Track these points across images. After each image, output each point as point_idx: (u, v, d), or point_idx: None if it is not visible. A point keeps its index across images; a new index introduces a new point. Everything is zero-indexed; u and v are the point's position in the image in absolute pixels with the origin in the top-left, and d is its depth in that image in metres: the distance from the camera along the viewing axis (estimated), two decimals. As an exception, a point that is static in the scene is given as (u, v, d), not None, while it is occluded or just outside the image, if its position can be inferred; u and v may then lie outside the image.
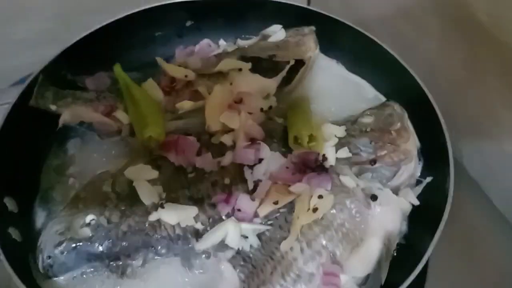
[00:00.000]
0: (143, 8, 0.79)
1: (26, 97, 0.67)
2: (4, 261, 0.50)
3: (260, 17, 0.83)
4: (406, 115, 0.67)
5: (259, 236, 0.57)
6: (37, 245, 0.54)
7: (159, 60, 0.75)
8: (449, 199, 0.57)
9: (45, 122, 0.67)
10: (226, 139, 0.64)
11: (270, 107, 0.69)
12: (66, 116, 0.66)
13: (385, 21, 0.82)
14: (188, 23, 0.85)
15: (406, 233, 0.61)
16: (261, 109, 0.67)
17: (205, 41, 0.82)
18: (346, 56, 0.82)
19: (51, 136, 0.69)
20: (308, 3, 1.01)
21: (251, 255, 0.57)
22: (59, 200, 0.61)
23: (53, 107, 0.67)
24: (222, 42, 0.84)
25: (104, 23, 0.76)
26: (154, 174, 0.60)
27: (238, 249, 0.56)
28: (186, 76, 0.71)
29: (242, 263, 0.56)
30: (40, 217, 0.61)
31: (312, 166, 0.60)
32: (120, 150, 0.67)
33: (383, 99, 0.75)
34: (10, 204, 0.59)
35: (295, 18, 0.81)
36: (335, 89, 0.78)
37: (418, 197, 0.62)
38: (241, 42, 0.79)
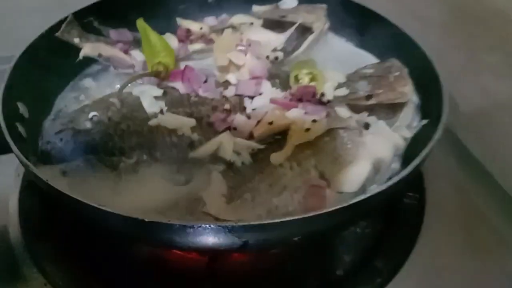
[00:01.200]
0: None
1: (53, 32, 0.73)
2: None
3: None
4: (406, 70, 0.69)
5: (252, 156, 0.59)
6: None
7: (179, 19, 0.81)
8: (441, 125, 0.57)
9: (68, 53, 0.73)
10: (231, 78, 0.68)
11: (276, 58, 0.72)
12: (87, 49, 0.72)
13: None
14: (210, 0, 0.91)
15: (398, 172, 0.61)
16: (267, 57, 0.71)
17: (224, 16, 0.88)
18: (354, 34, 0.86)
19: (72, 66, 0.74)
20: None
21: (241, 170, 0.58)
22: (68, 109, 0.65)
23: (76, 40, 0.73)
24: (239, 16, 0.90)
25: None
26: (159, 92, 0.63)
27: (230, 163, 0.57)
28: (201, 28, 0.77)
29: (232, 174, 0.57)
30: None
31: (309, 99, 0.63)
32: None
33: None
34: (23, 108, 0.62)
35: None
36: (341, 60, 0.81)
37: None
38: (255, 8, 0.84)
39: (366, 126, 0.59)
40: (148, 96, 0.61)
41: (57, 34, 0.72)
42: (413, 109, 0.66)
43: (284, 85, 0.68)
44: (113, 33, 0.79)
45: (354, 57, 0.81)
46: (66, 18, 0.75)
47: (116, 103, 0.60)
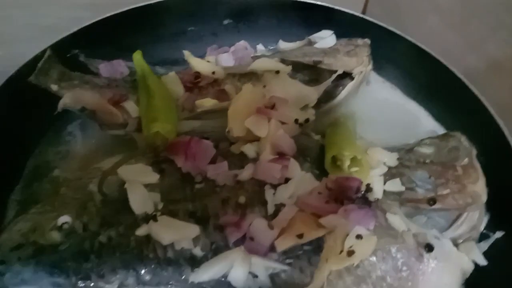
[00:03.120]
0: (177, -3, 0.70)
1: (27, 71, 0.58)
2: None
3: (306, 22, 0.72)
4: (474, 151, 0.53)
5: (272, 277, 0.45)
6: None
7: (186, 53, 0.65)
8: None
9: (44, 103, 0.57)
10: (249, 150, 0.53)
11: (307, 120, 0.57)
12: (67, 99, 0.57)
13: (448, 49, 0.69)
14: (226, 21, 0.75)
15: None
16: (296, 121, 0.55)
17: (242, 43, 0.72)
18: (403, 78, 0.70)
19: (47, 120, 0.58)
20: (364, 11, 0.90)
21: (258, 302, 0.44)
22: (37, 193, 0.50)
23: (54, 87, 0.58)
24: (260, 46, 0.75)
25: (132, 6, 0.67)
26: (154, 178, 0.48)
27: (244, 290, 0.43)
28: (213, 73, 0.61)
29: (245, 306, 0.43)
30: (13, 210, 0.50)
31: (351, 197, 0.48)
32: (122, 146, 0.56)
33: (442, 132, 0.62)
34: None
35: (347, 27, 0.70)
36: (386, 114, 0.66)
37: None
38: (283, 45, 0.68)
39: (429, 248, 0.44)
40: (138, 188, 0.46)
41: (31, 78, 0.57)
42: (481, 206, 0.51)
43: (317, 164, 0.53)
44: (103, 68, 0.64)
45: (402, 110, 0.66)
46: (42, 53, 0.59)
47: (96, 197, 0.45)
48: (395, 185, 0.49)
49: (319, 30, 0.69)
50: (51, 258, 0.42)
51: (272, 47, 0.75)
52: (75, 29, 0.64)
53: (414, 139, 0.59)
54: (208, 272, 0.43)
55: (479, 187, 0.49)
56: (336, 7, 0.71)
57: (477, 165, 0.52)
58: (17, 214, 0.49)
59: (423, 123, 0.65)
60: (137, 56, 0.63)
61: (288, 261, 0.45)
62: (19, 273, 0.41)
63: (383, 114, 0.65)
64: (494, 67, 0.64)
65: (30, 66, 0.58)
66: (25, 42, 0.75)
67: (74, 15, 0.77)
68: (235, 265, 0.43)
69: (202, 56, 0.70)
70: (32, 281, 0.42)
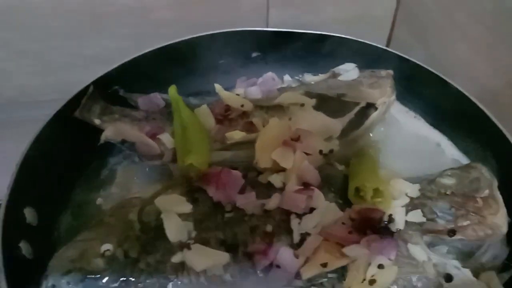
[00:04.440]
0: (209, 33, 0.75)
1: (72, 107, 0.63)
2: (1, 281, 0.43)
3: (331, 54, 0.76)
4: (496, 182, 0.55)
5: (298, 303, 0.47)
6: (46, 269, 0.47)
7: (217, 86, 0.69)
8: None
9: (88, 136, 0.62)
10: (275, 180, 0.56)
11: (331, 151, 0.59)
12: (109, 132, 0.61)
13: (476, 80, 0.71)
14: (254, 54, 0.79)
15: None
16: (320, 152, 0.58)
17: (269, 74, 0.75)
18: (425, 108, 0.72)
19: (91, 152, 0.63)
20: (387, 44, 0.93)
21: (285, 325, 0.46)
22: (82, 221, 0.54)
23: (97, 121, 0.63)
24: (287, 77, 0.78)
25: (167, 43, 0.73)
26: (187, 208, 0.52)
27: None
28: (242, 105, 0.65)
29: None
30: (60, 236, 0.55)
31: (374, 227, 0.50)
32: (160, 176, 0.60)
33: (465, 163, 0.64)
34: (30, 215, 0.53)
35: (371, 59, 0.73)
36: (409, 145, 0.68)
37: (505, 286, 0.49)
38: (308, 78, 0.71)
39: (448, 278, 0.46)
40: (173, 217, 0.50)
41: (76, 113, 0.62)
42: (502, 238, 0.52)
43: (341, 194, 0.55)
44: (141, 102, 0.68)
45: (424, 142, 0.67)
46: (85, 89, 0.65)
47: (135, 225, 0.49)
48: (416, 216, 0.51)
49: (344, 62, 0.73)
50: (96, 283, 0.46)
51: (298, 77, 0.79)
52: (115, 65, 0.70)
53: (437, 169, 0.61)
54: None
55: (500, 219, 0.51)
56: (360, 40, 0.74)
57: (498, 197, 0.53)
58: (65, 241, 0.53)
59: (446, 151, 0.67)
60: (172, 90, 0.67)
61: (312, 288, 0.48)
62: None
63: (407, 144, 0.67)
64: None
65: (73, 102, 0.63)
66: (70, 71, 0.82)
67: (116, 45, 0.84)
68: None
69: (232, 87, 0.75)
70: (79, 304, 0.46)
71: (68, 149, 0.61)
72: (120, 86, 0.69)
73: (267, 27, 0.85)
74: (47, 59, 0.84)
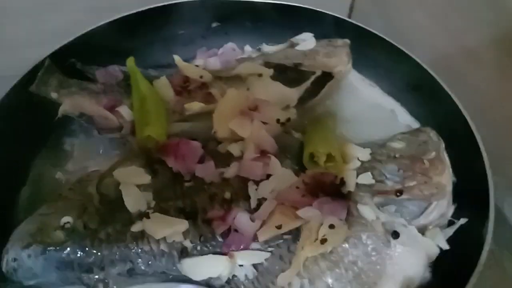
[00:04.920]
0: (168, 3, 0.74)
1: (29, 81, 0.62)
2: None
3: (291, 24, 0.76)
4: (443, 144, 0.58)
5: (256, 265, 0.49)
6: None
7: (176, 58, 0.70)
8: (485, 247, 0.47)
9: (45, 110, 0.62)
10: (234, 149, 0.57)
11: (288, 120, 0.61)
12: (67, 106, 0.61)
13: (432, 46, 0.73)
14: (214, 24, 0.79)
15: (429, 282, 0.51)
16: (278, 121, 0.60)
17: (230, 45, 0.76)
18: (381, 76, 0.74)
19: (49, 126, 0.63)
20: (350, 14, 0.94)
21: (242, 287, 0.48)
22: (41, 195, 0.55)
23: (54, 95, 0.62)
24: (247, 48, 0.78)
25: (124, 14, 0.72)
26: (146, 178, 0.53)
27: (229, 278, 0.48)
28: (201, 77, 0.65)
29: (233, 291, 0.48)
30: (21, 211, 0.55)
31: (326, 190, 0.52)
32: (119, 149, 0.61)
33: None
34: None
35: (330, 29, 0.74)
36: (365, 111, 0.70)
37: (448, 241, 0.53)
38: (266, 48, 0.72)
39: (395, 235, 0.49)
40: (132, 189, 0.51)
41: (32, 88, 0.61)
42: (449, 195, 0.55)
43: (296, 160, 0.57)
44: (99, 74, 0.68)
45: (379, 109, 0.70)
46: (41, 62, 0.64)
47: (94, 197, 0.50)
48: (366, 178, 0.54)
49: (302, 32, 0.74)
50: (57, 254, 0.47)
51: (258, 48, 0.79)
52: (71, 38, 0.68)
53: (391, 132, 0.63)
54: (196, 272, 0.48)
55: (445, 178, 0.54)
56: (318, 9, 0.75)
57: (445, 158, 0.56)
58: (25, 214, 0.54)
59: (400, 117, 0.69)
60: (130, 62, 0.67)
61: (269, 249, 0.50)
62: (30, 269, 0.46)
63: (362, 111, 0.69)
64: (473, 57, 0.68)
65: (29, 77, 0.62)
66: (28, 47, 0.80)
67: (75, 18, 0.81)
68: (222, 270, 0.47)
69: (192, 58, 0.75)
70: (42, 275, 0.47)
71: (25, 124, 0.61)
72: (77, 59, 0.68)
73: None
74: (1, 37, 0.82)
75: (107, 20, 0.71)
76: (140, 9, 0.73)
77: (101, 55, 0.70)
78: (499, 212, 0.66)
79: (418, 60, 0.68)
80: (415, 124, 0.68)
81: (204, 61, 0.72)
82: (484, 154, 0.56)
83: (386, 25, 0.84)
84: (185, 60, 0.71)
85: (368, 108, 0.70)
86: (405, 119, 0.69)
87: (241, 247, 0.49)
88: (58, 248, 0.47)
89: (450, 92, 0.63)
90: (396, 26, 0.82)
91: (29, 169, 0.61)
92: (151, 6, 0.74)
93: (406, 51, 0.69)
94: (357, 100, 0.70)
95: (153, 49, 0.77)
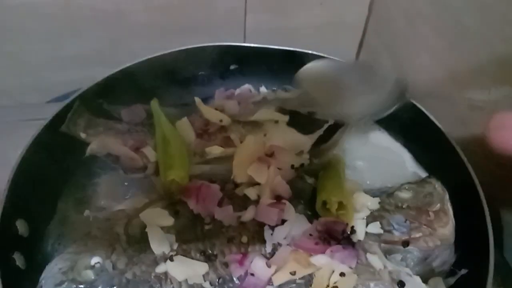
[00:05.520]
0: (189, 47, 0.79)
1: (59, 120, 0.67)
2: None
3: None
4: (447, 196, 0.61)
5: (270, 306, 0.53)
6: (39, 281, 0.52)
7: (197, 100, 0.74)
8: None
9: (73, 149, 0.66)
10: (251, 193, 0.61)
11: (302, 165, 0.65)
12: (94, 146, 0.65)
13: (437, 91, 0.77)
14: (232, 67, 0.84)
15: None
16: (292, 166, 0.64)
17: (246, 86, 0.81)
18: (389, 122, 0.78)
19: (76, 164, 0.67)
20: (358, 51, 0.99)
21: (258, 327, 0.52)
22: (71, 232, 0.58)
23: (83, 135, 0.66)
24: (263, 89, 0.83)
25: (149, 56, 0.76)
26: (170, 221, 0.57)
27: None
28: (220, 121, 0.69)
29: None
30: (49, 246, 0.59)
31: (338, 238, 0.56)
32: (143, 188, 0.64)
33: (423, 175, 0.70)
34: (22, 226, 0.57)
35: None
36: (374, 157, 0.73)
37: (450, 290, 0.56)
38: (281, 94, 0.76)
39: (401, 284, 0.52)
40: (157, 231, 0.55)
41: (63, 128, 0.66)
42: (451, 246, 0.59)
43: (310, 206, 0.61)
44: (124, 114, 0.73)
45: (387, 155, 0.73)
46: (71, 103, 0.68)
47: (122, 238, 0.54)
48: (375, 227, 0.57)
49: (315, 78, 0.78)
50: (88, 293, 0.51)
51: (273, 89, 0.84)
52: (99, 79, 0.73)
53: (398, 180, 0.67)
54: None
55: (448, 230, 0.57)
56: (327, 56, 0.79)
57: (448, 210, 0.60)
58: (52, 249, 0.57)
59: (407, 164, 0.73)
60: (154, 104, 0.72)
61: (283, 291, 0.54)
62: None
63: (371, 155, 0.73)
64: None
65: (60, 116, 0.67)
66: (47, 71, 0.85)
67: (92, 47, 0.86)
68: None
69: (211, 97, 0.79)
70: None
71: (54, 162, 0.65)
72: (104, 99, 0.73)
73: (244, 31, 0.90)
74: (23, 60, 0.86)
75: (133, 62, 0.75)
76: (162, 53, 0.78)
77: (126, 95, 0.75)
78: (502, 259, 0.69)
79: (422, 108, 0.71)
80: (422, 172, 0.71)
81: (223, 103, 0.76)
82: (485, 206, 0.59)
83: (394, 65, 0.88)
84: (205, 99, 0.76)
85: (377, 154, 0.73)
86: (412, 166, 0.71)
87: (257, 290, 0.53)
88: (88, 287, 0.50)
89: (454, 143, 0.66)
90: (402, 68, 0.85)
91: (57, 207, 0.64)
92: (173, 50, 0.78)
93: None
94: (367, 146, 0.74)
95: (175, 88, 0.81)
